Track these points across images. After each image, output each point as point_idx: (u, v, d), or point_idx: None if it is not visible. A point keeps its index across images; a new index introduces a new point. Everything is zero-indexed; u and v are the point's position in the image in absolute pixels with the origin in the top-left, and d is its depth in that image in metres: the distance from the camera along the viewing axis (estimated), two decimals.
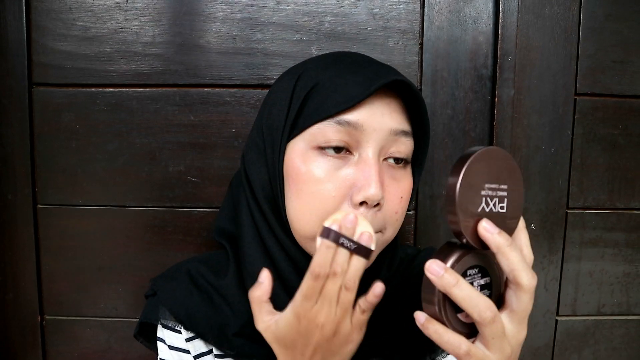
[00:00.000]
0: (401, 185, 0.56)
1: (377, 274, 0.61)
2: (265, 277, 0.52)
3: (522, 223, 0.47)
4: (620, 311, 0.94)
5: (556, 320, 0.94)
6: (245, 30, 0.86)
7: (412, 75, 0.87)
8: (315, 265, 0.47)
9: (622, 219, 0.92)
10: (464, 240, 0.44)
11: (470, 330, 0.46)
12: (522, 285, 0.43)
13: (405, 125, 0.56)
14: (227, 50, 0.86)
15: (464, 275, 0.44)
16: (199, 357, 0.63)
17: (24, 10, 0.85)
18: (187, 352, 0.63)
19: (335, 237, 0.48)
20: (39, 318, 0.93)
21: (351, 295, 0.49)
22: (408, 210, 0.64)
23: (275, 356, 0.54)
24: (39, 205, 0.91)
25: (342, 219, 0.48)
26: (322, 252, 0.47)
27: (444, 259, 0.44)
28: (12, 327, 0.93)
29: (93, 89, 0.87)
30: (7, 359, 0.94)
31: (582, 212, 0.91)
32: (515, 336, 0.45)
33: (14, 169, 0.89)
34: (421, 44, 0.87)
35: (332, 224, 0.48)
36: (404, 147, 0.56)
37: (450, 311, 0.45)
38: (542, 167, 0.89)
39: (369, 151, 0.53)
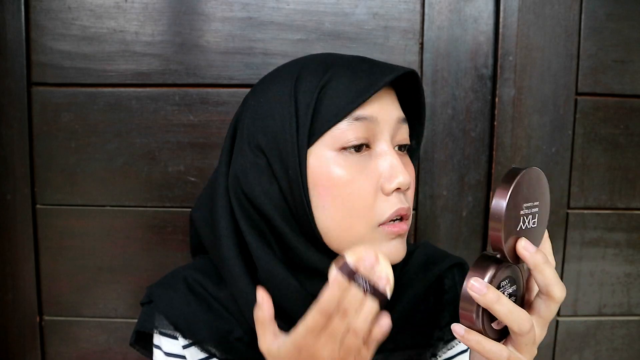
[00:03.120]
0: (409, 170, 0.58)
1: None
2: (262, 298, 0.51)
3: (546, 232, 0.50)
4: (621, 311, 0.94)
5: (557, 320, 0.93)
6: (244, 30, 0.86)
7: None
8: (325, 300, 0.45)
9: (623, 219, 0.92)
10: (498, 255, 0.46)
11: (500, 335, 0.48)
12: (555, 297, 0.46)
13: (402, 113, 0.58)
14: (226, 50, 0.86)
15: (498, 287, 0.46)
16: None
17: (22, 10, 0.85)
18: (184, 358, 0.63)
19: (351, 274, 0.45)
20: (38, 318, 0.93)
21: (358, 342, 0.47)
22: None
23: None
24: (38, 205, 0.90)
25: (363, 256, 0.46)
26: (335, 288, 0.45)
27: (482, 275, 0.45)
28: (11, 327, 0.93)
29: (92, 89, 0.87)
30: (6, 359, 0.94)
31: (583, 212, 0.91)
32: (540, 337, 0.48)
33: (13, 168, 0.89)
34: (421, 43, 0.87)
35: (351, 258, 0.46)
36: (406, 134, 0.58)
37: (487, 322, 0.47)
38: (543, 167, 0.87)
39: (386, 142, 0.55)
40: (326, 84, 0.54)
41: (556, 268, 0.92)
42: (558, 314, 0.93)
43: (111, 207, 0.90)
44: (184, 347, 0.62)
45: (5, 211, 0.90)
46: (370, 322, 0.46)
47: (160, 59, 0.86)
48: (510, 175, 0.45)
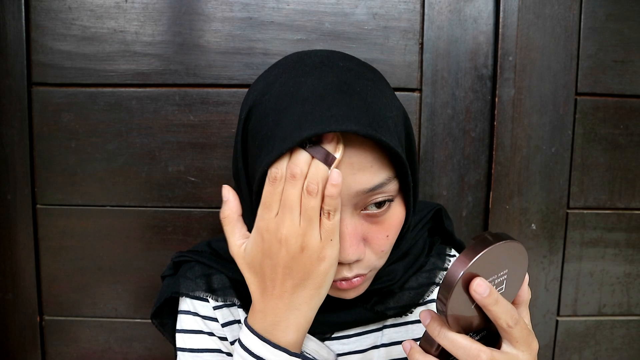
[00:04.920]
0: (386, 226, 0.52)
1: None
2: (228, 193, 0.48)
3: (526, 282, 0.48)
4: (621, 311, 0.94)
5: (557, 320, 0.93)
6: (245, 30, 0.86)
7: (412, 75, 0.87)
8: (272, 168, 0.45)
9: (623, 219, 0.92)
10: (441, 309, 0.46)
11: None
12: (505, 330, 0.45)
13: (378, 177, 0.49)
14: (226, 50, 0.86)
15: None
16: (226, 325, 0.63)
17: (23, 10, 0.85)
18: (215, 320, 0.62)
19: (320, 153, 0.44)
20: (39, 318, 0.93)
21: (315, 202, 0.45)
22: None
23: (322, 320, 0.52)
24: (38, 205, 0.90)
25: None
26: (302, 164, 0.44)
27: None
28: (11, 327, 0.93)
29: (92, 89, 0.87)
30: (6, 359, 0.94)
31: (583, 212, 0.91)
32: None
33: (13, 168, 0.89)
34: (421, 43, 0.87)
35: None
36: (383, 195, 0.50)
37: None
38: (543, 167, 0.88)
39: (343, 211, 0.49)
40: (261, 129, 0.49)
41: (556, 268, 0.93)
42: (558, 314, 0.93)
43: (111, 207, 0.90)
44: (215, 308, 0.63)
45: (5, 211, 0.90)
46: (321, 180, 0.45)
47: (161, 59, 0.86)
48: (475, 247, 0.43)
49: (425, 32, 0.86)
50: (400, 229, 0.54)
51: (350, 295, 0.54)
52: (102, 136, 0.88)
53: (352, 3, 0.86)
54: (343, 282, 0.52)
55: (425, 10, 0.86)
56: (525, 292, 0.48)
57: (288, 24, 0.86)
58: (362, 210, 0.50)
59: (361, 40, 0.86)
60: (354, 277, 0.52)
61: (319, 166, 0.45)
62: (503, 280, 0.45)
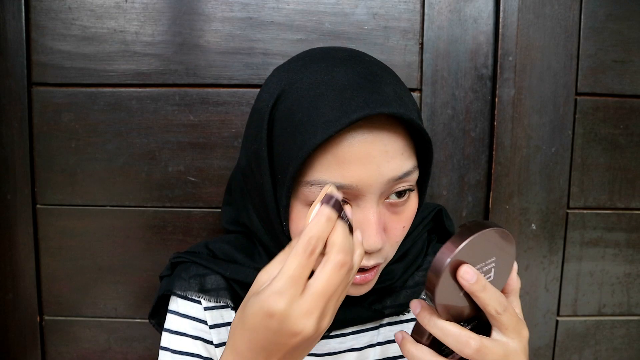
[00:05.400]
0: (403, 216, 0.53)
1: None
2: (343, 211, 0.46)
3: (515, 269, 0.48)
4: (621, 311, 0.94)
5: (557, 320, 0.93)
6: (245, 30, 0.86)
7: (412, 75, 0.87)
8: (310, 235, 0.41)
9: (623, 219, 0.92)
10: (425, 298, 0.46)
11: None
12: (494, 317, 0.45)
13: (407, 164, 0.51)
14: (226, 50, 0.86)
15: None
16: (214, 328, 0.63)
17: (23, 10, 0.85)
18: (204, 322, 0.63)
19: (338, 208, 0.41)
20: (39, 318, 0.93)
21: (349, 279, 0.43)
22: None
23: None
24: (38, 205, 0.90)
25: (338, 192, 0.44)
26: (323, 219, 0.41)
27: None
28: (11, 327, 0.93)
29: (92, 89, 0.87)
30: (6, 359, 0.94)
31: (583, 212, 0.91)
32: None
33: (13, 168, 0.89)
34: (421, 43, 0.87)
35: (338, 194, 0.43)
36: (407, 183, 0.52)
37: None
38: (543, 167, 0.88)
39: (366, 203, 0.49)
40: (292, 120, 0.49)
41: (556, 268, 0.93)
42: (558, 314, 0.93)
43: (111, 207, 0.90)
44: (206, 309, 0.63)
45: (5, 211, 0.90)
46: (361, 260, 0.44)
47: (160, 59, 0.86)
48: (462, 234, 0.43)
49: (425, 32, 0.86)
50: (412, 220, 0.55)
51: (361, 291, 0.55)
52: (102, 136, 0.88)
53: (352, 3, 0.86)
54: (357, 276, 0.52)
55: (425, 10, 0.86)
56: (514, 281, 0.49)
57: (288, 24, 0.86)
58: (385, 199, 0.52)
59: (361, 40, 0.86)
60: (372, 266, 0.52)
61: (362, 250, 0.45)
62: (491, 268, 0.46)
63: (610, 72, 0.88)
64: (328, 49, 0.55)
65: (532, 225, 0.90)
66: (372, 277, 0.54)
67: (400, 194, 0.52)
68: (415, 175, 0.52)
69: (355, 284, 0.53)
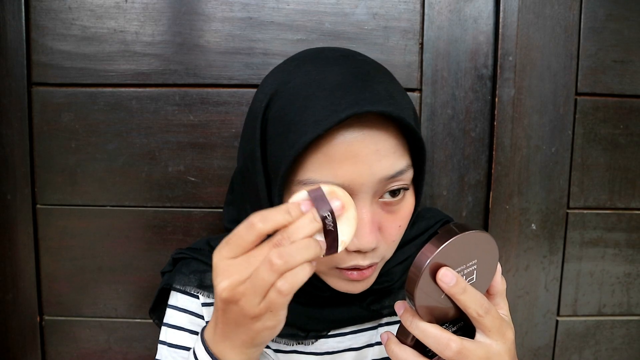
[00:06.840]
0: (399, 216, 0.53)
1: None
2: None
3: (499, 270, 0.48)
4: (621, 311, 0.94)
5: (557, 320, 0.93)
6: (245, 30, 0.86)
7: (412, 75, 0.87)
8: (261, 214, 0.42)
9: (623, 219, 0.92)
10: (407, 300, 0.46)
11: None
12: (476, 319, 0.45)
13: (400, 163, 0.50)
14: (226, 50, 0.86)
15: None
16: None
17: (23, 10, 0.85)
18: (201, 317, 0.64)
19: (319, 202, 0.42)
20: (39, 318, 0.93)
21: (284, 301, 0.41)
22: None
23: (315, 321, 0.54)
24: (38, 205, 0.90)
25: (340, 195, 0.43)
26: (285, 209, 0.42)
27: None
28: (11, 327, 0.93)
29: (92, 89, 0.87)
30: (6, 359, 0.94)
31: (583, 212, 0.91)
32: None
33: (13, 168, 0.89)
34: (421, 43, 0.87)
35: (327, 189, 0.43)
36: (400, 182, 0.51)
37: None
38: (543, 167, 0.88)
39: (359, 202, 0.49)
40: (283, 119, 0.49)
41: (556, 268, 0.93)
42: (558, 314, 0.93)
43: (111, 207, 0.90)
44: (204, 304, 0.64)
45: (5, 211, 0.90)
46: (299, 284, 0.41)
47: (160, 59, 0.86)
48: (442, 237, 0.43)
49: (425, 32, 0.86)
50: (409, 219, 0.55)
51: (359, 288, 0.55)
52: (102, 136, 0.88)
53: (352, 3, 0.86)
54: (354, 272, 0.52)
55: (425, 10, 0.86)
56: (498, 282, 0.49)
57: (288, 24, 0.86)
58: (379, 198, 0.51)
59: (361, 40, 0.86)
60: (368, 266, 0.52)
61: (311, 246, 0.42)
62: (473, 270, 0.46)
63: (610, 72, 0.88)
64: (322, 49, 0.56)
65: (532, 225, 0.90)
66: (370, 274, 0.53)
67: (394, 193, 0.51)
68: (409, 174, 0.52)
69: (352, 280, 0.53)
